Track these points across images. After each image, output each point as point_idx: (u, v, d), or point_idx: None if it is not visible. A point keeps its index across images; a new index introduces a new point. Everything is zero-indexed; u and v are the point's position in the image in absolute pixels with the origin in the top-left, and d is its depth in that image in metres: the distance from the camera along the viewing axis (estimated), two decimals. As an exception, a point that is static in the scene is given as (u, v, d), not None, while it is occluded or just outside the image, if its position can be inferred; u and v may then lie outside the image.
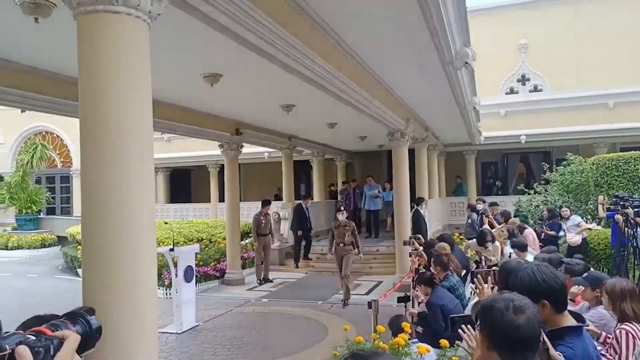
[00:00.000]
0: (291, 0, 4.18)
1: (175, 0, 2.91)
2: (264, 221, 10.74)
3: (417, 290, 5.46)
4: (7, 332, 0.94)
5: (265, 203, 10.95)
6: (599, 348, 2.71)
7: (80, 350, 1.02)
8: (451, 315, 2.46)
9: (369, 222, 14.09)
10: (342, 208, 8.94)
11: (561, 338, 1.87)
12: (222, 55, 5.26)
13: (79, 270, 11.86)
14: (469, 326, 1.99)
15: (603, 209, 8.33)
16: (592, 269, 4.48)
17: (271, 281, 10.63)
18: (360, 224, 14.38)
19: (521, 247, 6.12)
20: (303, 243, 12.06)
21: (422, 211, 10.40)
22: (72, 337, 0.99)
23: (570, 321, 1.96)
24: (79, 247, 12.72)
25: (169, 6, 2.81)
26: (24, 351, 0.89)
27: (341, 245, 8.46)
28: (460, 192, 17.61)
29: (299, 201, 12.48)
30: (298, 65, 4.70)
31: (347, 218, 8.65)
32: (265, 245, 10.77)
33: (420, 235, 7.98)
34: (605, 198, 8.58)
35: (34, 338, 0.94)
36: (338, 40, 5.24)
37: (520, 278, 1.97)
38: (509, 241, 7.24)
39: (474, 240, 7.79)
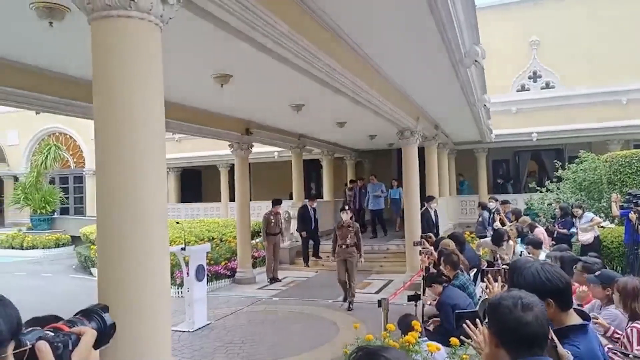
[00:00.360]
0: (300, 2, 4.21)
1: (187, 4, 2.95)
2: (273, 220, 10.76)
3: (426, 295, 5.47)
4: (27, 329, 0.98)
5: (276, 202, 10.98)
6: (608, 345, 2.70)
7: (96, 345, 1.06)
8: (456, 311, 2.47)
9: (373, 221, 14.04)
10: (346, 207, 8.47)
11: (566, 337, 1.88)
12: (231, 55, 5.31)
13: (93, 270, 12.03)
14: (477, 320, 2.00)
15: (616, 207, 8.25)
16: (606, 268, 4.46)
17: (280, 280, 10.67)
18: (365, 224, 14.44)
19: (536, 245, 6.09)
20: (311, 243, 12.10)
21: (431, 210, 10.37)
22: (88, 332, 1.03)
23: (575, 319, 1.96)
24: (92, 246, 12.89)
25: (180, 9, 2.85)
26: (43, 346, 0.93)
27: (344, 247, 7.99)
28: (462, 189, 17.53)
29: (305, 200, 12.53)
30: (307, 66, 4.73)
31: (351, 218, 8.30)
32: (275, 245, 10.81)
33: (431, 234, 7.97)
34: (619, 196, 8.50)
35: (52, 334, 0.98)
36: (347, 40, 5.26)
37: (524, 277, 1.98)
38: (519, 239, 7.21)
39: (488, 239, 7.77)
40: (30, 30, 4.39)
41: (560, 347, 1.79)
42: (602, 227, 9.31)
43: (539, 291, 1.81)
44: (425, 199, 10.60)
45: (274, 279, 10.63)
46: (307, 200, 12.27)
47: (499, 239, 6.58)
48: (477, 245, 8.73)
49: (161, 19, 2.66)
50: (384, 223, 13.90)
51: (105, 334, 1.10)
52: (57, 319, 1.05)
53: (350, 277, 7.99)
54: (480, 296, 5.22)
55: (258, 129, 10.67)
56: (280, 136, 11.93)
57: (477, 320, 2.01)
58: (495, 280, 2.82)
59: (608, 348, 2.80)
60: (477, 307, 4.50)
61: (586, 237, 8.46)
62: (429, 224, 10.05)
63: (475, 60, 5.86)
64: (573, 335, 1.89)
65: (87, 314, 1.11)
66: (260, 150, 14.73)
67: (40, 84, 5.91)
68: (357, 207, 14.35)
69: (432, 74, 7.04)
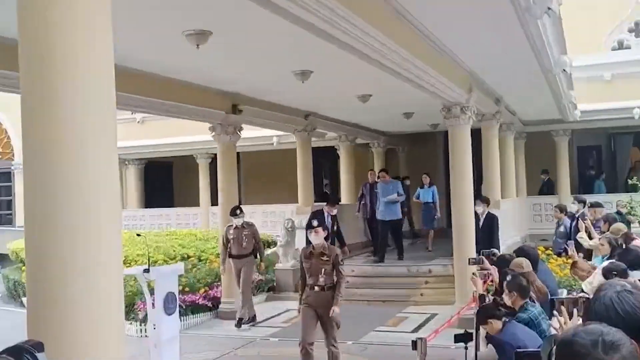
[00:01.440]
0: None
1: None
2: (233, 236, 9.90)
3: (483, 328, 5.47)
4: None
5: (233, 212, 10.02)
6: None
7: None
8: (517, 350, 2.49)
9: (383, 238, 13.00)
10: (314, 224, 7.11)
11: None
12: (210, 6, 5.35)
13: (24, 299, 12.22)
14: None
15: None
16: None
17: (254, 321, 10.09)
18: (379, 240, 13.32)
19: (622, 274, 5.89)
20: None
21: (481, 217, 10.27)
22: None
23: None
24: (24, 268, 13.07)
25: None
26: None
27: (315, 288, 6.79)
28: (547, 192, 17.39)
29: (320, 204, 12.50)
30: (313, 18, 4.75)
31: (326, 239, 7.15)
32: (245, 272, 9.93)
33: (495, 251, 7.92)
34: None
35: None
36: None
37: (595, 310, 1.98)
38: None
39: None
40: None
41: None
42: None
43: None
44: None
45: (243, 321, 9.84)
46: (325, 204, 12.17)
47: None
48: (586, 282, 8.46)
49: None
50: (400, 241, 13.14)
51: None
52: None
53: (329, 338, 6.89)
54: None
55: (249, 105, 10.73)
56: (280, 115, 11.98)
57: None
58: (571, 315, 2.83)
59: None
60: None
61: None
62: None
63: (549, 8, 5.83)
64: None
65: (16, 352, 1.14)
66: (253, 134, 14.79)
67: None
68: (369, 215, 13.81)
69: (490, 29, 7.05)
